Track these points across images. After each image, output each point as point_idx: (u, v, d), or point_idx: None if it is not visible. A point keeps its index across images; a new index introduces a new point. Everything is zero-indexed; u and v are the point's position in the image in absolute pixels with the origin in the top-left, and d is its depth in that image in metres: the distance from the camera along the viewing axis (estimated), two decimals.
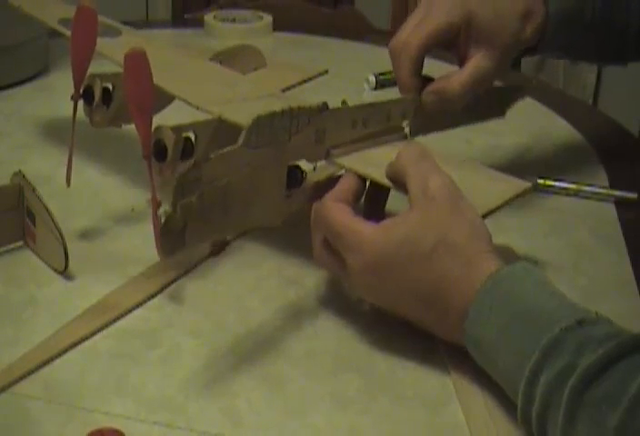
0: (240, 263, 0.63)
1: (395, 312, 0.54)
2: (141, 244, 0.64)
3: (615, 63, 0.77)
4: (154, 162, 0.56)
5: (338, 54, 1.10)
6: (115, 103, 0.66)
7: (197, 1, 1.99)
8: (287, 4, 1.33)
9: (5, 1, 0.77)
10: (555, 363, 0.43)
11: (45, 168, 0.75)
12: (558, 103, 0.97)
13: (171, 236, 0.49)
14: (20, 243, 0.63)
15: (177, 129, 0.56)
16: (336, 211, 0.53)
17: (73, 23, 0.60)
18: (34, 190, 0.59)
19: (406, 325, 0.56)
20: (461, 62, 0.65)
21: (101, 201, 0.71)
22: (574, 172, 0.79)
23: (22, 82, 0.96)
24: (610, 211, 0.73)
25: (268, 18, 1.18)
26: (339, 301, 0.59)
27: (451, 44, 0.65)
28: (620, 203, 0.74)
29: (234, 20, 1.18)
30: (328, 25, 1.23)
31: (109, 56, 0.67)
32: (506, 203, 0.56)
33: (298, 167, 0.57)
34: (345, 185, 0.56)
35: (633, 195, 0.74)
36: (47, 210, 0.58)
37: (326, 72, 0.76)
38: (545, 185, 0.75)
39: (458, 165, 0.59)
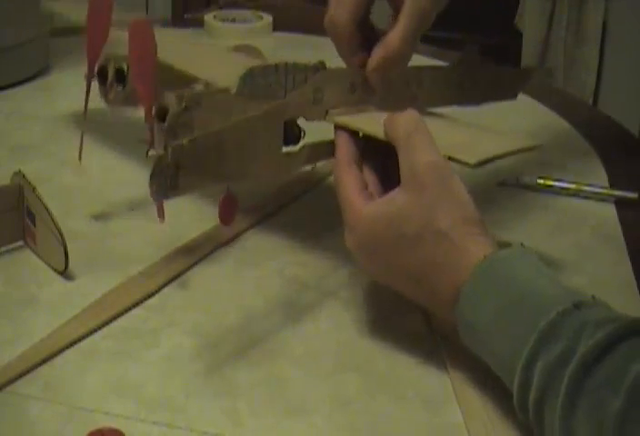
0: (241, 263, 0.63)
1: (391, 289, 0.54)
2: (141, 244, 0.64)
3: None
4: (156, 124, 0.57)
5: (338, 55, 1.10)
6: (130, 84, 0.66)
7: (197, 1, 1.99)
8: (287, 4, 1.33)
9: (4, 1, 0.77)
10: (552, 348, 0.42)
11: (45, 168, 0.75)
12: (558, 103, 0.97)
13: (162, 178, 0.49)
14: (20, 243, 0.63)
15: (181, 96, 0.57)
16: (345, 179, 0.53)
17: (89, 3, 0.61)
18: (34, 190, 0.59)
19: (407, 325, 0.56)
20: (396, 9, 0.59)
21: (101, 201, 0.71)
22: (574, 172, 0.79)
23: (22, 82, 0.95)
24: (610, 211, 0.73)
25: (268, 18, 1.18)
26: (340, 300, 0.59)
27: None
28: (620, 203, 0.74)
29: (234, 20, 1.18)
30: None
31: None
32: (511, 154, 0.56)
33: (296, 125, 0.57)
34: (345, 145, 0.55)
35: (633, 195, 0.74)
36: (47, 210, 0.58)
37: None
38: (544, 185, 0.75)
39: (465, 124, 0.59)
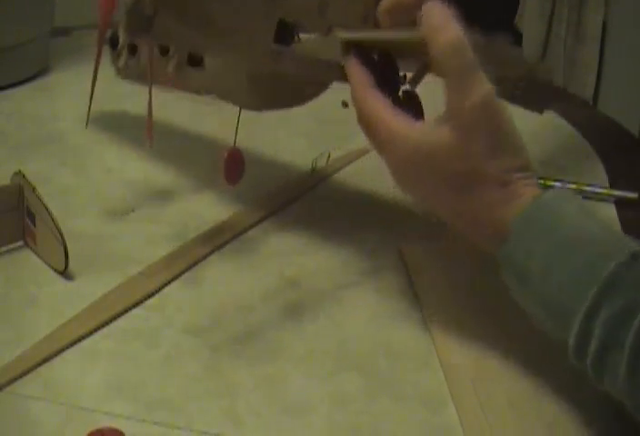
0: (241, 263, 0.63)
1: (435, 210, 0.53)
2: (141, 244, 0.64)
3: None
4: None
5: None
6: (142, 59, 0.65)
7: None
8: None
9: (4, 1, 0.77)
10: (614, 300, 0.42)
11: (45, 168, 0.75)
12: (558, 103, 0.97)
13: (137, 14, 0.47)
14: (20, 243, 0.63)
15: None
16: (371, 100, 0.51)
17: None
18: (34, 190, 0.59)
19: (407, 325, 0.56)
20: None
21: (101, 201, 0.71)
22: (574, 172, 0.79)
23: (22, 82, 0.96)
24: (610, 211, 0.73)
25: None
26: (339, 301, 0.59)
27: None
28: (620, 203, 0.74)
29: None
30: None
31: None
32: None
33: (293, 29, 0.55)
34: (360, 71, 0.53)
35: (633, 195, 0.74)
36: (47, 210, 0.58)
37: None
38: (545, 185, 0.75)
39: None
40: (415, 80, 0.55)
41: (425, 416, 0.49)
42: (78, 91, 0.67)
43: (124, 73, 0.68)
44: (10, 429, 0.46)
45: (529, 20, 2.11)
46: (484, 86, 0.47)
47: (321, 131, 0.65)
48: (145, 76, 0.66)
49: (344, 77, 0.55)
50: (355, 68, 0.53)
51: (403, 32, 0.52)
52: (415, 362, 0.53)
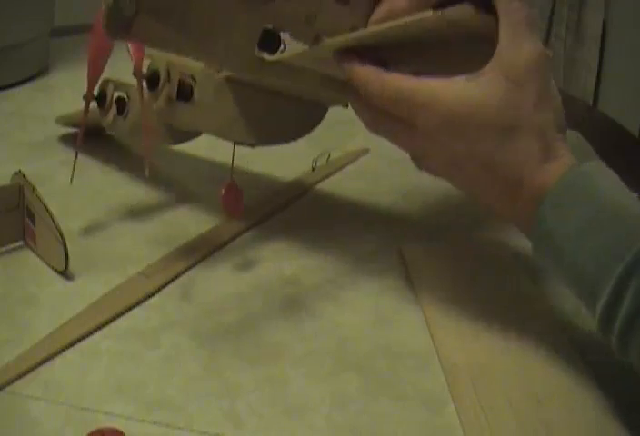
0: (241, 263, 0.63)
1: (460, 184, 0.52)
2: (141, 244, 0.64)
3: None
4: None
5: None
6: (131, 116, 0.66)
7: None
8: None
9: (4, 1, 0.77)
10: None
11: (45, 168, 0.75)
12: None
13: (118, 17, 0.46)
14: (20, 243, 0.63)
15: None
16: (388, 77, 0.51)
17: (93, 23, 0.61)
18: (34, 190, 0.59)
19: (407, 324, 0.56)
20: None
21: (101, 200, 0.71)
22: None
23: (22, 82, 0.96)
24: None
25: None
26: (339, 301, 0.59)
27: None
28: None
29: None
30: None
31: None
32: None
33: (280, 38, 0.54)
34: (362, 64, 0.52)
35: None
36: (47, 210, 0.58)
37: None
38: None
39: None
40: None
41: (425, 416, 0.49)
42: (78, 91, 0.67)
43: (112, 128, 0.68)
44: (10, 429, 0.46)
45: None
46: (539, 43, 0.49)
47: (321, 131, 0.65)
48: (135, 135, 0.66)
49: (330, 86, 0.55)
50: (358, 66, 0.52)
51: (395, 21, 0.51)
52: (415, 362, 0.53)
